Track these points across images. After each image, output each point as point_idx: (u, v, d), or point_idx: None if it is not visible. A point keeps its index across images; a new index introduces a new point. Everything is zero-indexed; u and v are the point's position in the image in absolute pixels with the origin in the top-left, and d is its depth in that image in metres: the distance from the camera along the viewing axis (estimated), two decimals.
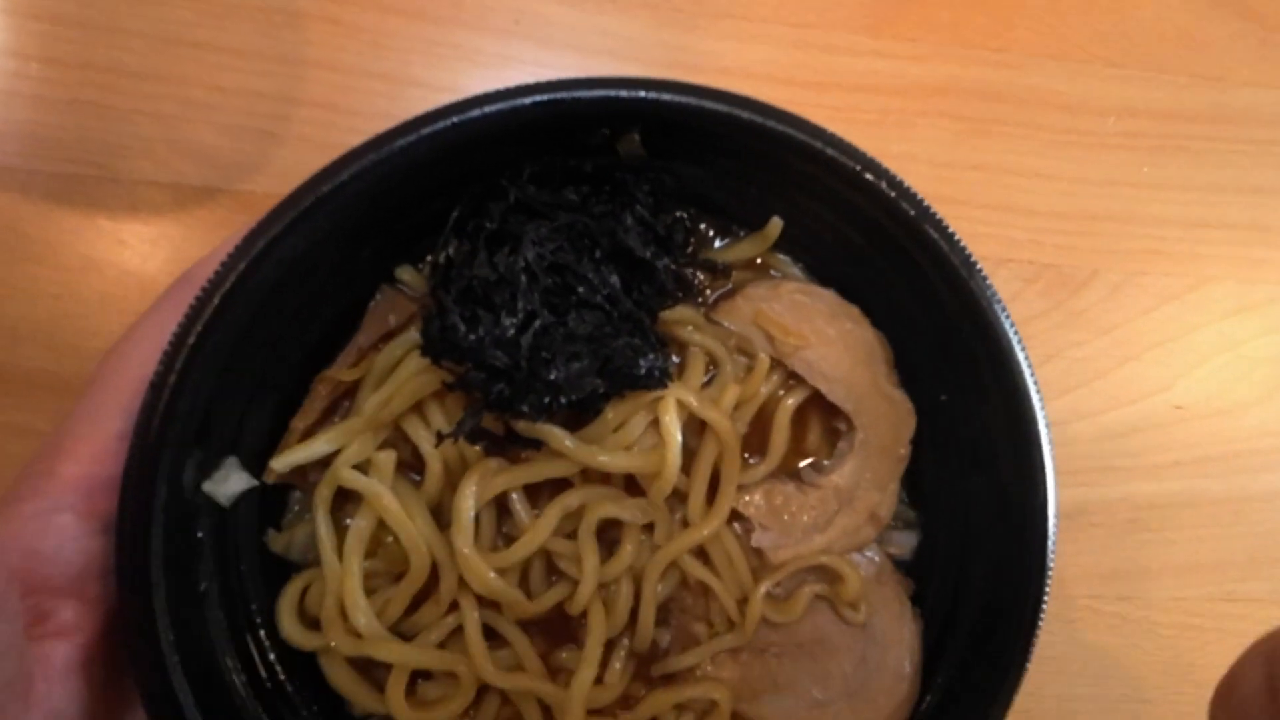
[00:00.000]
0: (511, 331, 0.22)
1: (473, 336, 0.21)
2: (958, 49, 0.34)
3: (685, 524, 0.26)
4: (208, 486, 0.22)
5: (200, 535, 0.23)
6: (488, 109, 0.21)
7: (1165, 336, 0.37)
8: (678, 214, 0.26)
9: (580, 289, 0.23)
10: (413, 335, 0.25)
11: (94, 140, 0.30)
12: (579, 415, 0.24)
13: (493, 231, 0.22)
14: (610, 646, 0.27)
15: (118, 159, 0.30)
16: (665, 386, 0.24)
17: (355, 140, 0.23)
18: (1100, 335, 0.36)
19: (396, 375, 0.24)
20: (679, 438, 0.24)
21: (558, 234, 0.23)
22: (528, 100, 0.21)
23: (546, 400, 0.23)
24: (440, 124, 0.21)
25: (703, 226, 0.26)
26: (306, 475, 0.25)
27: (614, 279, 0.23)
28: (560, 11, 0.32)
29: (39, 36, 0.30)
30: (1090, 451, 0.37)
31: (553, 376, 0.22)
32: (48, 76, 0.30)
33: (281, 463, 0.23)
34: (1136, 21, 0.35)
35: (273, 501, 0.25)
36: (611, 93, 0.21)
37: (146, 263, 0.30)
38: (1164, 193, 0.36)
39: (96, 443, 0.21)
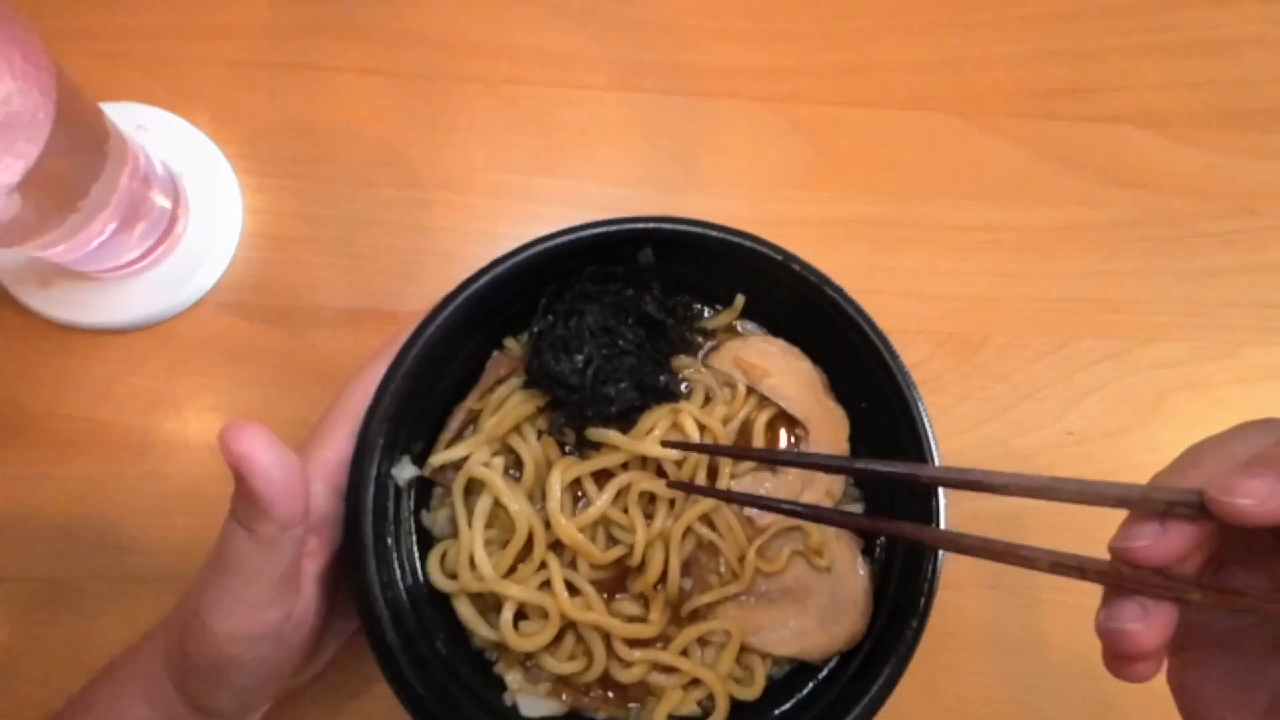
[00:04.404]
0: (580, 365, 0.36)
1: (558, 368, 0.35)
2: (865, 194, 0.50)
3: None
4: (394, 472, 0.36)
5: (389, 506, 0.35)
6: (559, 240, 0.36)
7: (1050, 381, 0.49)
8: (680, 298, 0.40)
9: (620, 341, 0.37)
10: (515, 381, 0.39)
11: (297, 284, 0.46)
12: (621, 425, 0.38)
13: (566, 309, 0.37)
14: (650, 595, 0.38)
15: (311, 294, 0.46)
16: (677, 395, 0.37)
17: (464, 275, 0.37)
18: (999, 381, 0.49)
19: (506, 405, 0.38)
20: (698, 434, 0.37)
21: (605, 309, 0.37)
22: (585, 234, 0.36)
23: (605, 410, 0.36)
24: (529, 251, 0.37)
25: (696, 306, 0.41)
26: (445, 473, 0.38)
27: (641, 334, 0.37)
28: (596, 188, 0.49)
29: (271, 224, 0.46)
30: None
31: (608, 393, 0.36)
32: (273, 247, 0.46)
33: (437, 459, 0.37)
34: (987, 171, 0.51)
35: (424, 493, 0.38)
36: (633, 226, 0.37)
37: (333, 358, 0.45)
38: (1026, 279, 0.50)
39: (338, 440, 0.34)
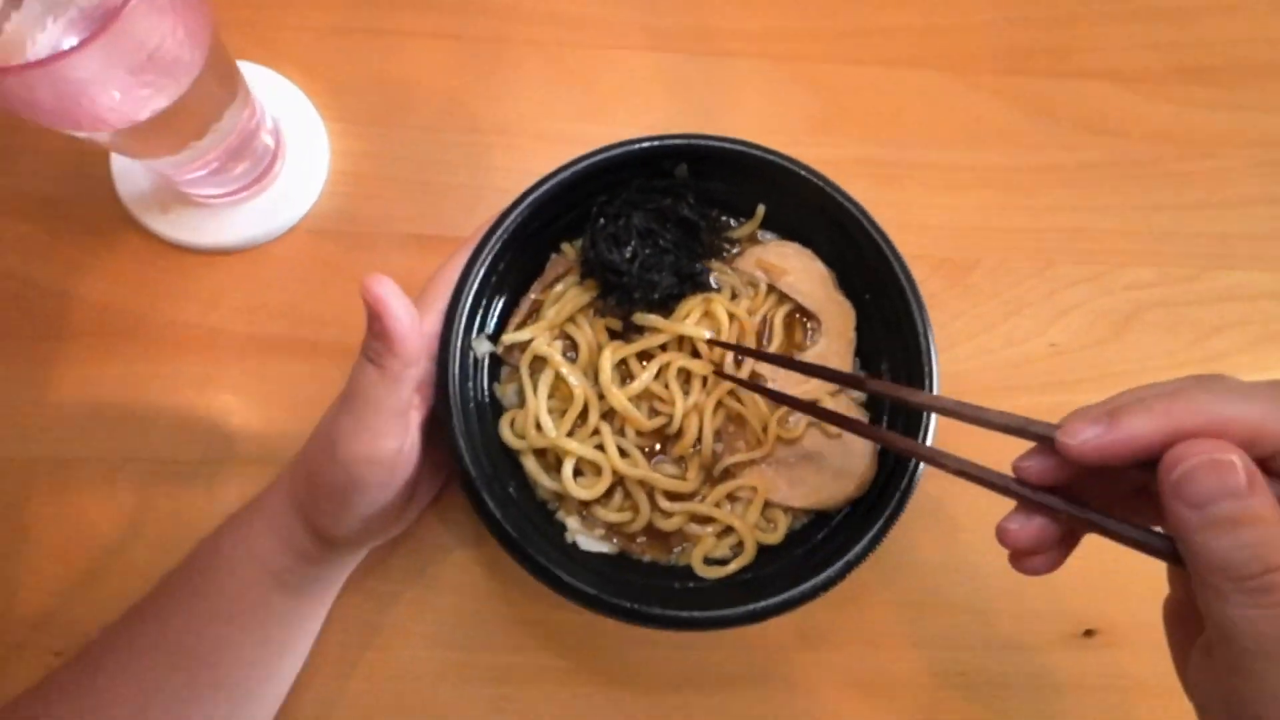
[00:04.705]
0: (629, 256, 0.43)
1: (610, 256, 0.42)
2: (866, 140, 0.57)
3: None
4: (474, 345, 0.42)
5: (470, 371, 0.42)
6: (612, 152, 0.43)
7: (1033, 300, 0.56)
8: (710, 210, 0.47)
9: (661, 241, 0.44)
10: (571, 278, 0.46)
11: (375, 214, 0.53)
12: (662, 312, 0.44)
13: (615, 212, 0.44)
14: (687, 458, 0.44)
15: (386, 223, 0.53)
16: (709, 286, 0.44)
17: None
18: (988, 300, 0.56)
19: (565, 297, 0.45)
20: (728, 320, 0.44)
21: (649, 214, 0.44)
22: (634, 147, 0.43)
23: (650, 295, 0.43)
24: (587, 160, 0.44)
25: (725, 218, 0.48)
26: (513, 353, 0.45)
27: (679, 235, 0.44)
28: (630, 133, 0.55)
29: (353, 164, 0.54)
30: (997, 376, 0.55)
31: (652, 279, 0.43)
32: (355, 182, 0.54)
33: (508, 338, 0.43)
34: (974, 121, 0.58)
35: (494, 370, 0.45)
36: (674, 142, 0.44)
37: (406, 275, 0.51)
38: (1013, 212, 0.57)
39: (430, 317, 0.41)
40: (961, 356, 0.54)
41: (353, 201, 0.54)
